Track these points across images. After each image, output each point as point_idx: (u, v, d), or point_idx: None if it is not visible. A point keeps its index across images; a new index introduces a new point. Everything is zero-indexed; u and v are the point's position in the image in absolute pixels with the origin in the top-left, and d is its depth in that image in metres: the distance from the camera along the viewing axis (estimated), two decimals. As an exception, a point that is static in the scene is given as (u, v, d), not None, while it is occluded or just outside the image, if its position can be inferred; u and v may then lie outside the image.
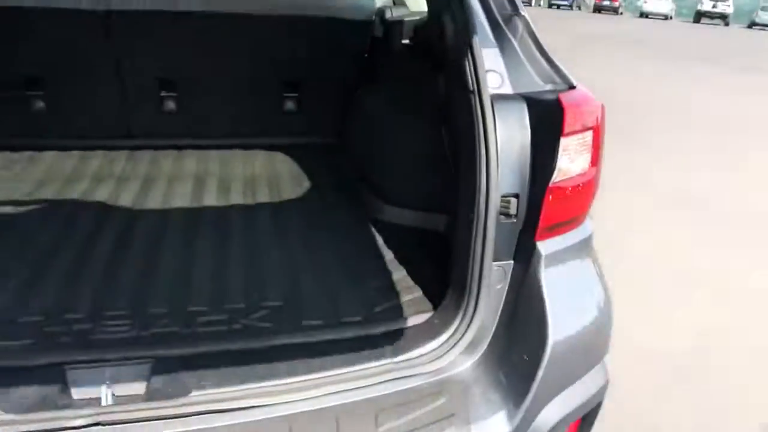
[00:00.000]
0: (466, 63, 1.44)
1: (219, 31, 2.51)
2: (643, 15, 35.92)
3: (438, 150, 1.99)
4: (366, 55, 2.73)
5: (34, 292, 1.54)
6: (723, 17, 35.08)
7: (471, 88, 1.42)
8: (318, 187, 2.42)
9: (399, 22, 2.35)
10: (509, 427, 1.30)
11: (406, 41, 2.34)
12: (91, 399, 1.17)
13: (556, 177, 1.35)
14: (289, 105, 2.82)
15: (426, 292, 1.65)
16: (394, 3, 2.76)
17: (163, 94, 2.66)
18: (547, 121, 1.35)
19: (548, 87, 1.45)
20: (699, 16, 35.89)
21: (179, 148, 2.72)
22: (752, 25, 33.38)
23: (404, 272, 1.76)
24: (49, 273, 1.65)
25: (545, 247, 1.38)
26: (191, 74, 2.63)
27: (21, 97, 2.52)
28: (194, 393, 1.20)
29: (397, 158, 2.15)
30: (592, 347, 1.45)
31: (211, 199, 2.22)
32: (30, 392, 1.16)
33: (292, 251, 1.87)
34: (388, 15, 2.51)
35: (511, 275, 1.42)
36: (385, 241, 1.96)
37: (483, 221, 1.38)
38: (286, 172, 2.56)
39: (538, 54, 1.48)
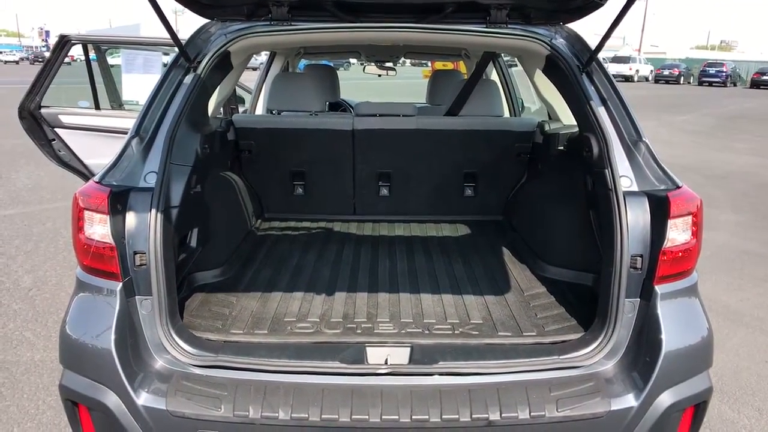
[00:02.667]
0: (607, 171, 2.31)
1: (422, 141, 3.62)
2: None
3: (587, 226, 2.83)
4: (528, 156, 3.68)
5: (332, 307, 2.59)
6: None
7: (610, 188, 2.27)
8: (492, 250, 3.34)
9: (555, 134, 3.28)
10: (636, 402, 2.04)
11: (560, 148, 3.25)
12: (379, 364, 2.13)
13: (666, 244, 2.13)
14: (468, 192, 3.82)
15: (579, 322, 2.46)
16: (551, 118, 3.71)
17: (380, 183, 3.80)
18: (661, 208, 2.15)
19: (662, 187, 2.26)
20: None
21: (390, 221, 3.81)
22: None
23: (563, 309, 2.58)
24: (334, 296, 2.70)
25: (661, 289, 2.14)
26: (401, 169, 3.74)
27: (289, 186, 3.80)
28: (440, 363, 2.10)
29: (557, 232, 3.01)
30: (695, 358, 2.15)
31: (419, 255, 3.22)
32: (348, 356, 2.14)
33: (481, 290, 2.77)
34: (546, 128, 3.45)
35: (638, 308, 2.19)
36: (548, 289, 2.79)
37: (619, 272, 2.18)
38: (468, 240, 3.52)
39: (655, 165, 2.31)
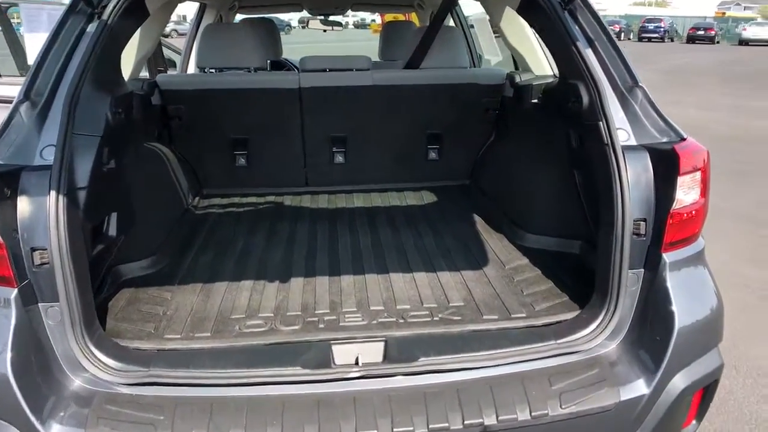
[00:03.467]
0: (602, 124, 1.99)
1: (379, 99, 3.21)
2: (743, 42, 34.58)
3: (570, 188, 2.53)
4: (497, 112, 3.33)
5: (287, 297, 2.21)
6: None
7: (606, 142, 1.96)
8: (464, 218, 3.01)
9: (528, 86, 2.94)
10: (647, 390, 1.77)
11: (535, 101, 2.92)
12: (350, 365, 1.77)
13: (675, 205, 1.84)
14: (432, 155, 3.46)
15: (571, 298, 2.17)
16: (517, 69, 3.36)
17: (334, 149, 3.38)
18: (666, 165, 1.85)
19: (664, 139, 1.96)
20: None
21: (348, 192, 3.42)
22: None
23: (551, 284, 2.28)
24: (289, 283, 2.31)
25: (669, 257, 1.86)
26: (357, 132, 3.34)
27: (229, 156, 3.33)
28: (421, 359, 1.77)
29: (537, 196, 2.69)
30: (707, 333, 1.90)
31: (384, 228, 2.86)
32: (311, 358, 1.78)
33: (457, 265, 2.44)
34: (517, 80, 3.10)
35: (642, 279, 1.91)
36: (531, 261, 2.49)
37: (621, 240, 1.89)
38: (436, 208, 3.17)
39: (655, 115, 2.00)
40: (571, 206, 2.52)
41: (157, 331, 1.94)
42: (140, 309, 2.08)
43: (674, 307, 1.81)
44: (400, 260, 2.50)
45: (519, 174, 2.87)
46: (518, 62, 3.30)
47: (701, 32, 35.06)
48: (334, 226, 2.91)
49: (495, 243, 2.69)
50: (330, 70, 3.19)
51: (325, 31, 6.00)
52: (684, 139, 1.93)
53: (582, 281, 2.29)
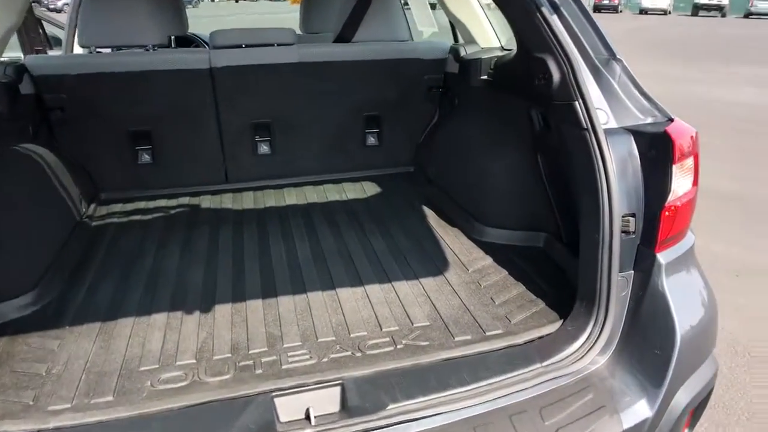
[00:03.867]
0: (577, 104, 1.70)
1: (307, 78, 2.79)
2: (643, 11, 36.40)
3: (533, 175, 2.25)
4: (440, 90, 3.00)
5: (212, 333, 1.78)
6: (720, 9, 35.42)
7: (585, 126, 1.67)
8: (413, 212, 2.68)
9: (476, 60, 2.62)
10: (651, 412, 1.53)
11: (484, 77, 2.61)
12: (300, 420, 1.41)
13: (670, 197, 1.59)
14: (371, 140, 3.09)
15: (548, 304, 1.90)
16: (457, 41, 3.04)
17: (257, 138, 2.94)
18: (657, 150, 1.60)
19: (649, 120, 1.71)
20: (696, 9, 36.26)
21: (277, 187, 2.99)
22: (748, 15, 33.60)
23: (522, 287, 2.00)
24: (213, 313, 1.89)
25: (664, 257, 1.62)
26: (283, 118, 2.90)
27: (130, 153, 2.80)
28: (390, 406, 1.43)
29: (494, 184, 2.40)
30: (705, 340, 1.69)
31: (323, 230, 2.48)
32: (249, 419, 1.39)
33: (415, 272, 2.11)
34: (462, 53, 2.78)
35: (632, 283, 1.67)
36: (496, 261, 2.20)
37: (609, 240, 1.62)
38: (380, 201, 2.82)
39: (636, 92, 1.74)
40: (533, 195, 2.26)
41: (38, 401, 1.46)
42: (14, 369, 1.58)
43: (674, 315, 1.57)
44: (348, 271, 2.13)
45: (470, 160, 2.57)
46: (461, 34, 2.97)
47: (606, 2, 36.61)
48: (264, 230, 2.49)
49: (452, 241, 2.38)
50: (247, 46, 2.73)
51: (237, 0, 5.40)
52: (671, 120, 1.68)
53: (555, 281, 2.03)
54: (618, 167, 1.62)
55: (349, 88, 2.88)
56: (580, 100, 1.70)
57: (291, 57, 2.72)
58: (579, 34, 1.79)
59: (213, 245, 2.35)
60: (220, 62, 2.69)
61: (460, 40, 3.12)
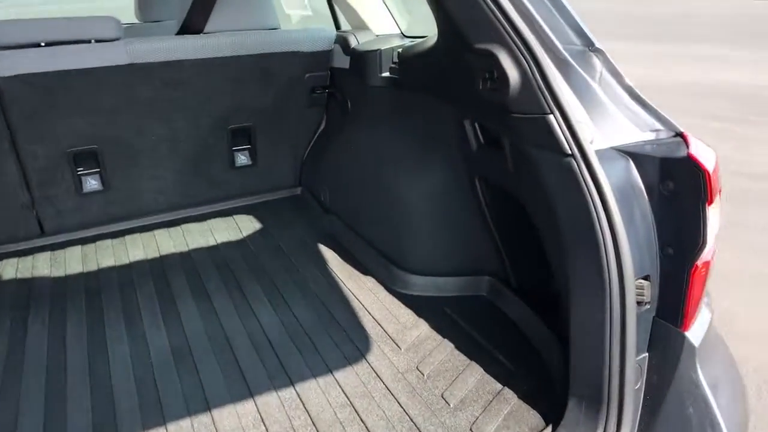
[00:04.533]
0: (553, 119, 1.16)
1: (144, 85, 2.00)
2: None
3: (469, 204, 1.70)
4: (327, 91, 2.34)
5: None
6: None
7: (568, 151, 1.13)
8: (308, 256, 2.02)
9: (374, 53, 2.00)
10: None
11: (386, 74, 2.00)
12: None
13: (703, 250, 1.10)
14: (242, 159, 2.36)
15: (523, 398, 1.35)
16: (339, 28, 2.39)
17: (80, 171, 2.09)
18: (679, 183, 1.10)
19: (649, 136, 1.20)
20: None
21: (116, 235, 2.17)
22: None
23: (480, 371, 1.44)
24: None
25: (695, 336, 1.14)
26: (116, 141, 2.09)
27: None
28: None
29: (417, 217, 1.80)
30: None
31: (186, 302, 1.74)
32: None
33: (330, 369, 1.47)
34: (353, 43, 2.14)
35: (648, 370, 1.17)
36: (433, 326, 1.62)
37: (620, 318, 1.11)
38: (263, 243, 2.12)
39: (626, 95, 1.23)
40: (470, 230, 1.72)
41: None
42: None
43: (719, 419, 1.10)
44: (227, 375, 1.44)
45: (377, 183, 1.95)
46: (346, 18, 2.32)
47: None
48: (97, 312, 1.71)
49: (369, 300, 1.76)
50: (48, 45, 1.87)
51: None
52: (682, 136, 1.19)
53: (519, 353, 1.50)
54: (621, 209, 1.11)
55: (207, 95, 2.12)
56: (558, 113, 1.15)
57: (118, 57, 1.91)
58: (534, 13, 1.24)
59: (17, 348, 1.53)
60: (9, 70, 1.81)
61: (344, 26, 2.48)
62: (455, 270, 1.78)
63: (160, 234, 2.20)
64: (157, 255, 2.05)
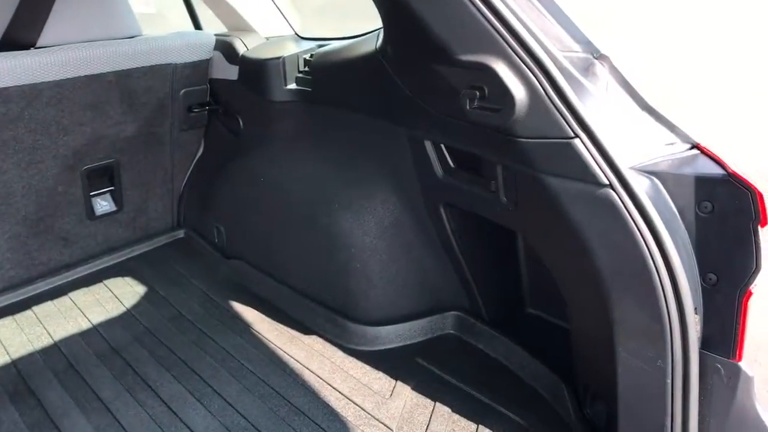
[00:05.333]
0: (580, 143, 0.97)
1: None
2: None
3: (429, 236, 1.46)
4: (207, 109, 1.89)
5: None
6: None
7: (604, 180, 0.96)
8: (221, 323, 1.61)
9: (274, 61, 1.63)
10: None
11: (292, 86, 1.65)
12: None
13: (754, 278, 1.00)
14: (103, 205, 1.82)
15: None
16: (199, 27, 1.95)
17: None
18: (720, 204, 0.98)
19: (666, 151, 1.07)
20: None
21: None
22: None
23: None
24: None
25: (748, 366, 1.04)
26: None
27: None
28: None
29: (370, 256, 1.50)
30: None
31: (76, 421, 1.26)
32: None
33: None
34: (240, 49, 1.73)
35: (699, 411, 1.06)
36: (409, 384, 1.36)
37: (682, 363, 0.97)
38: (150, 314, 1.65)
39: (637, 108, 1.08)
40: (431, 263, 1.49)
41: None
42: None
43: None
44: None
45: (298, 216, 1.61)
46: (222, 17, 1.89)
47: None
48: None
49: (326, 367, 1.43)
50: None
51: None
52: (699, 147, 1.07)
53: (519, 397, 1.32)
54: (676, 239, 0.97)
55: (48, 131, 1.57)
56: (584, 136, 0.97)
57: None
58: (524, 16, 1.03)
59: None
60: None
61: (208, 26, 2.04)
62: (417, 311, 1.53)
63: (3, 325, 1.60)
64: (7, 359, 1.48)
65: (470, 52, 1.05)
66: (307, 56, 1.63)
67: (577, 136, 0.98)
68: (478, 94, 1.06)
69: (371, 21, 1.38)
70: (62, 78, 1.49)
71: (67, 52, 1.49)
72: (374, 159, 1.48)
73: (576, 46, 1.08)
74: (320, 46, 1.67)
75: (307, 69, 1.61)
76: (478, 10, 1.00)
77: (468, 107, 1.08)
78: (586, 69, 1.08)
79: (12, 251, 1.67)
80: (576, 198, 1.00)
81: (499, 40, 1.00)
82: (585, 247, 1.02)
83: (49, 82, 1.48)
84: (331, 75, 1.53)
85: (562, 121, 0.98)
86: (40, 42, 1.47)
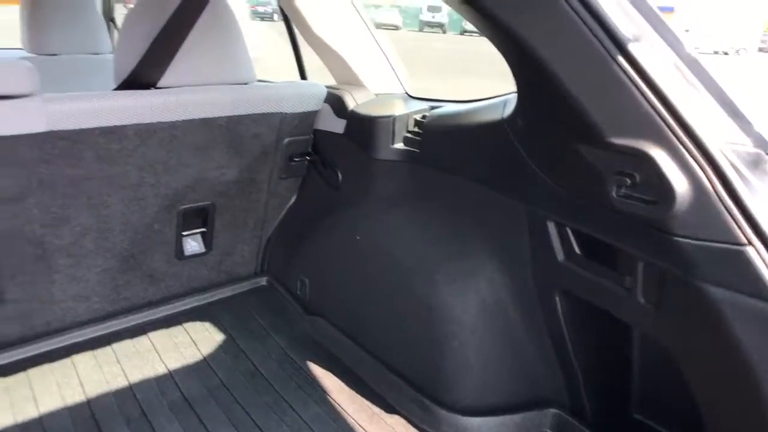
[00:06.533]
0: (753, 252, 0.83)
1: (64, 159, 1.41)
2: (377, 26, 39.04)
3: (536, 322, 1.33)
4: (309, 160, 1.87)
5: None
6: (441, 26, 39.95)
7: None
8: (299, 386, 1.52)
9: (385, 119, 1.58)
10: None
11: (399, 146, 1.59)
12: None
13: None
14: (192, 246, 1.80)
15: None
16: (304, 77, 1.94)
17: None
18: None
19: None
20: (423, 25, 40.22)
21: (15, 369, 1.52)
22: (464, 32, 38.47)
23: None
24: None
25: None
26: (18, 238, 1.46)
27: None
28: None
29: (469, 337, 1.38)
30: None
31: None
32: None
33: None
34: (351, 104, 1.70)
35: None
36: None
37: None
38: (226, 365, 1.58)
39: None
40: (534, 352, 1.35)
41: None
42: None
43: None
44: None
45: (391, 282, 1.52)
46: (333, 71, 1.87)
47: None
48: None
49: None
50: None
51: None
52: None
53: None
54: None
55: (154, 170, 1.57)
56: (760, 244, 0.84)
57: (31, 122, 1.31)
58: (685, 99, 0.92)
59: None
60: None
61: (314, 77, 2.04)
62: (513, 404, 1.39)
63: (82, 361, 1.57)
64: (82, 398, 1.44)
65: (625, 135, 0.94)
66: (419, 116, 1.57)
67: (750, 243, 0.84)
68: (628, 181, 0.95)
69: (483, 78, 1.30)
70: (177, 119, 1.49)
71: (186, 95, 1.49)
72: (483, 231, 1.38)
73: (746, 140, 0.95)
74: (432, 107, 1.61)
75: (417, 129, 1.55)
76: (640, 91, 0.90)
77: (614, 194, 0.97)
78: (757, 166, 0.95)
79: (101, 285, 1.66)
80: (745, 315, 0.86)
81: (661, 126, 0.90)
82: (749, 372, 0.87)
83: (164, 122, 1.48)
84: (444, 138, 1.46)
85: (733, 223, 0.85)
86: (160, 83, 1.48)
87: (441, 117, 1.49)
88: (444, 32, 39.58)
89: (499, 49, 1.12)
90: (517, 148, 1.21)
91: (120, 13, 3.32)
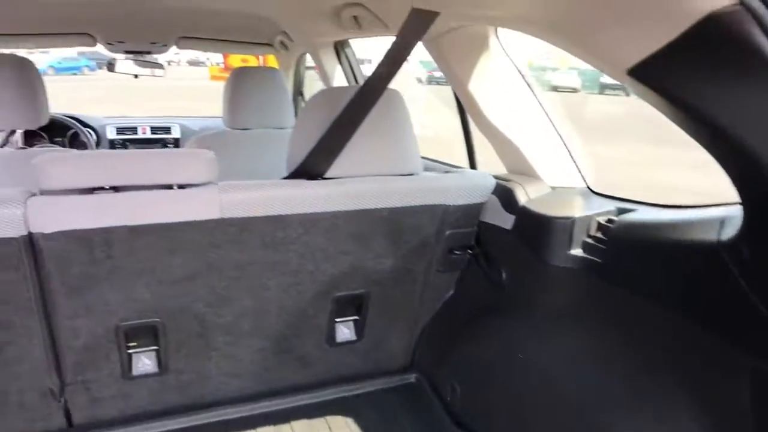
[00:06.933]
0: None
1: (232, 245, 1.44)
2: (554, 89, 38.41)
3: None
4: (470, 253, 1.73)
5: None
6: (624, 88, 37.98)
7: None
8: None
9: (563, 221, 1.39)
10: None
11: (577, 252, 1.38)
12: None
13: None
14: (344, 332, 1.75)
15: None
16: (473, 165, 1.82)
17: (132, 349, 1.52)
18: None
19: None
20: (603, 88, 38.66)
21: None
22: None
23: None
24: None
25: None
26: (185, 315, 1.51)
27: None
28: None
29: None
30: None
31: None
32: None
33: None
34: (522, 199, 1.54)
35: None
36: None
37: None
38: None
39: None
40: None
41: None
42: None
43: None
44: None
45: (563, 409, 1.28)
46: (505, 160, 1.74)
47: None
48: None
49: None
50: (115, 189, 1.34)
51: (136, 76, 3.92)
52: None
53: None
54: None
55: (314, 257, 1.55)
56: None
57: (206, 209, 1.36)
58: None
59: None
60: (49, 223, 1.27)
61: (483, 166, 1.91)
62: None
63: None
64: None
65: None
66: (603, 219, 1.35)
67: None
68: None
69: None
70: (339, 210, 1.46)
71: (350, 185, 1.46)
72: (685, 381, 1.10)
73: None
74: (620, 209, 1.38)
75: (601, 236, 1.33)
76: None
77: None
78: None
79: (253, 364, 1.66)
80: None
81: None
82: None
83: (327, 212, 1.45)
84: (635, 253, 1.22)
85: None
86: (327, 174, 1.46)
87: (633, 225, 1.26)
88: (627, 95, 37.62)
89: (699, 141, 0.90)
90: (739, 282, 0.95)
91: (311, 78, 3.56)
